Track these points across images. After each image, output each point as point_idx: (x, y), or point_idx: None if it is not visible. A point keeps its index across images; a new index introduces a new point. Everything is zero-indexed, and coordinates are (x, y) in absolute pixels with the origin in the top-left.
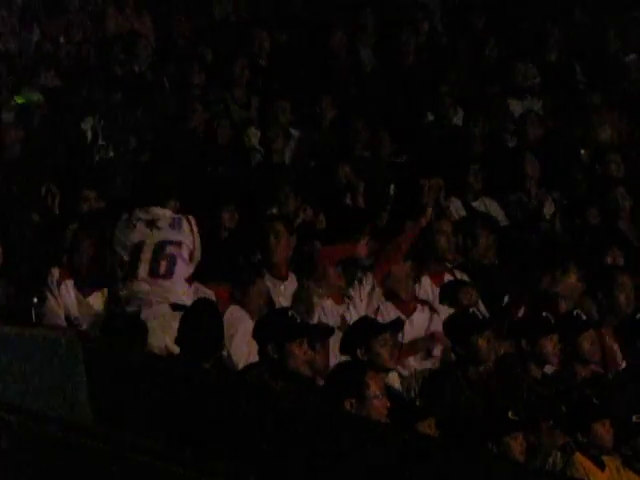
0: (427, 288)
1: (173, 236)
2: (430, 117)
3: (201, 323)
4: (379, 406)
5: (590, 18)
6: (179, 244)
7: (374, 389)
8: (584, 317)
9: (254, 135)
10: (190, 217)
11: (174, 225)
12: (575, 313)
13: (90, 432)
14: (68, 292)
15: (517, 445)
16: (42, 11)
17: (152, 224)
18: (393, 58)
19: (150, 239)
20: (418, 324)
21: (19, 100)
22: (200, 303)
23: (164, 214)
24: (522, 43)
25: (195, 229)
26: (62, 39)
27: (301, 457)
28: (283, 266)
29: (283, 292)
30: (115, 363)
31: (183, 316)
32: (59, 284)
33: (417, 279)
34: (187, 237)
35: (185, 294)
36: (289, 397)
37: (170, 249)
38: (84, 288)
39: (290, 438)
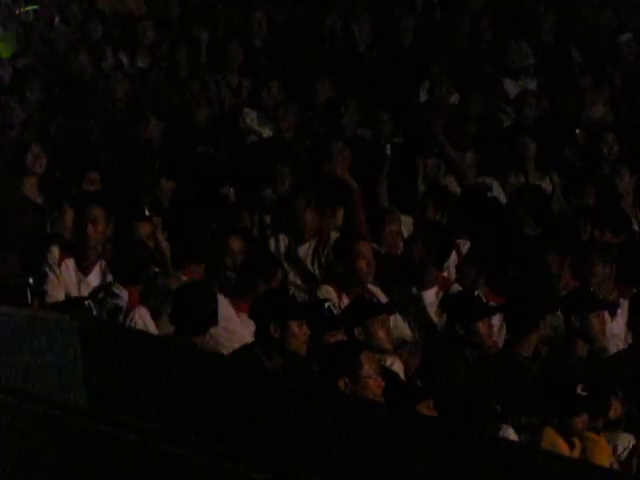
0: None
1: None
2: (424, 96)
3: (193, 300)
4: (374, 386)
5: None
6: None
7: (368, 369)
8: (596, 295)
9: (248, 116)
10: None
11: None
12: (586, 290)
13: (85, 412)
14: (68, 271)
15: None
16: None
17: None
18: (388, 37)
19: None
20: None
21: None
22: (191, 284)
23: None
24: (517, 23)
25: None
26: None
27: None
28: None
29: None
30: (109, 344)
31: (175, 295)
32: (59, 263)
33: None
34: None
35: None
36: (284, 376)
37: None
38: (84, 267)
39: (284, 417)
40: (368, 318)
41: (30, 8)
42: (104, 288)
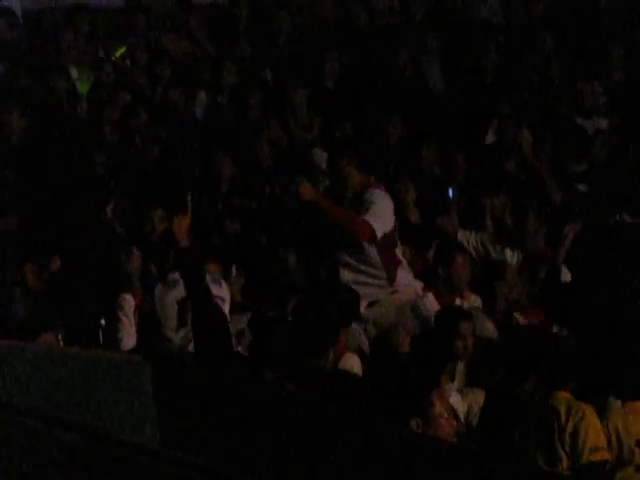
0: None
1: (216, 291)
2: (492, 138)
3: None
4: (446, 426)
5: None
6: (222, 299)
7: (439, 408)
8: None
9: (318, 155)
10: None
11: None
12: None
13: (158, 455)
14: None
15: None
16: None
17: None
18: (458, 78)
19: None
20: None
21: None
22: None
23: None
24: (587, 62)
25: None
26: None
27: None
28: None
29: None
30: (183, 386)
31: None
32: (134, 311)
33: None
34: (226, 293)
35: None
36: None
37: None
38: None
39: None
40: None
41: (120, 52)
42: None
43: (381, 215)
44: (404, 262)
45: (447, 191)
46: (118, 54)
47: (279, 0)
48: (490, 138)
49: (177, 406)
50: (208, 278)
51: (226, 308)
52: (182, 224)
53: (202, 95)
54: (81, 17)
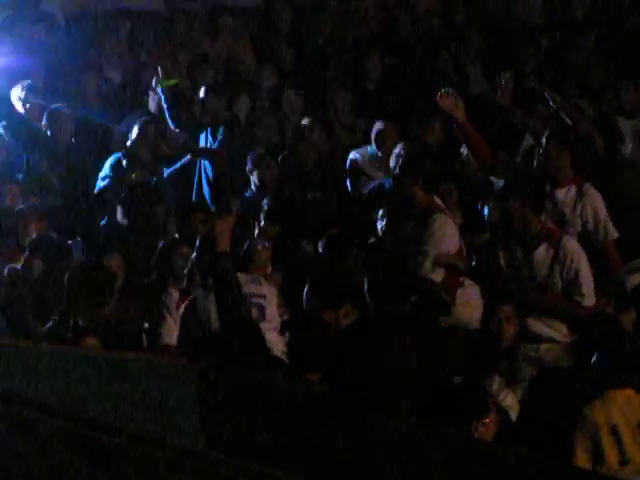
0: None
1: (254, 289)
2: (531, 141)
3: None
4: (490, 424)
5: None
6: (262, 296)
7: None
8: None
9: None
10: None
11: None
12: None
13: (202, 457)
14: None
15: None
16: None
17: None
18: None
19: None
20: None
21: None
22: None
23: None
24: (630, 61)
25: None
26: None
27: None
28: None
29: None
30: (227, 388)
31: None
32: (178, 306)
33: None
34: (268, 290)
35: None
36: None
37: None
38: None
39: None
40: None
41: (170, 83)
42: None
43: (444, 242)
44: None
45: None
46: (167, 84)
47: (320, 2)
48: (529, 141)
49: (221, 408)
50: (246, 279)
51: (270, 304)
52: (225, 228)
53: (243, 98)
54: (122, 21)
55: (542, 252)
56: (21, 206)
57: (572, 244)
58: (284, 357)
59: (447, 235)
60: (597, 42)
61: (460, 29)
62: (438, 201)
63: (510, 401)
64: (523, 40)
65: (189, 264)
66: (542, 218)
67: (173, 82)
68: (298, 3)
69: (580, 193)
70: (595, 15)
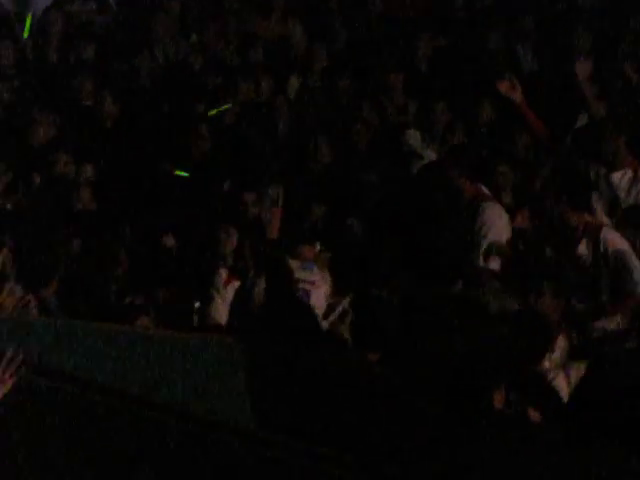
0: None
1: (306, 276)
2: (584, 120)
3: None
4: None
5: None
6: (313, 283)
7: None
8: None
9: (412, 137)
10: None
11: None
12: None
13: (253, 437)
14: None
15: None
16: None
17: None
18: (552, 60)
19: None
20: None
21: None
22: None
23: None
24: None
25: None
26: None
27: None
28: None
29: None
30: (276, 366)
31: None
32: (226, 285)
33: None
34: (319, 276)
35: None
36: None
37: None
38: None
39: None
40: None
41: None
42: None
43: (496, 231)
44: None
45: None
46: (219, 110)
47: None
48: (583, 119)
49: (269, 387)
50: (297, 265)
51: (321, 291)
52: (274, 216)
53: (293, 80)
54: (173, 1)
55: (583, 248)
56: None
57: (612, 236)
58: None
59: (497, 223)
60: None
61: (510, 9)
62: (484, 190)
63: (560, 381)
64: (574, 20)
65: (236, 244)
66: (585, 214)
67: (225, 107)
68: None
69: (636, 178)
70: None
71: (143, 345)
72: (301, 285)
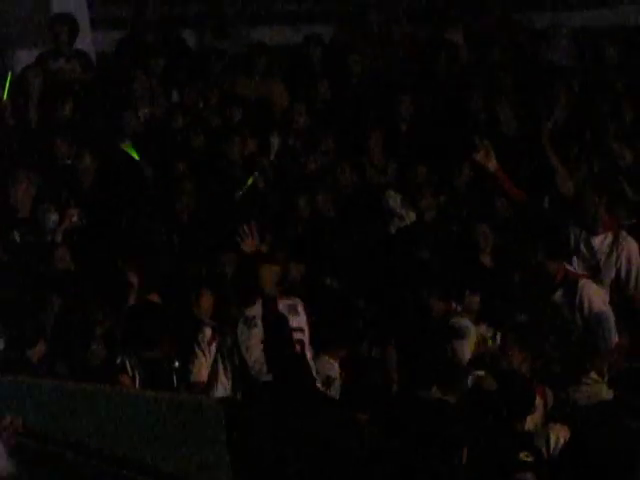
0: None
1: (295, 323)
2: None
3: None
4: None
5: None
6: (302, 330)
7: None
8: None
9: (392, 198)
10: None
11: (291, 311)
12: None
13: None
14: None
15: None
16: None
17: None
18: (530, 120)
19: None
20: None
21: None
22: None
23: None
24: None
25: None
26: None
27: None
28: None
29: None
30: (258, 427)
31: None
32: (210, 344)
33: None
34: (304, 322)
35: None
36: None
37: (297, 335)
38: None
39: None
40: None
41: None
42: None
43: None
44: None
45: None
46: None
47: (352, 42)
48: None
49: (251, 450)
50: (285, 308)
51: (306, 338)
52: (270, 273)
53: (274, 138)
54: (155, 59)
55: (559, 297)
56: None
57: (588, 287)
58: None
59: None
60: (627, 85)
61: (491, 69)
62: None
63: (541, 442)
64: (554, 81)
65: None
66: (563, 264)
67: (250, 181)
68: (330, 43)
69: (616, 241)
70: (624, 58)
71: (122, 404)
72: (295, 336)
